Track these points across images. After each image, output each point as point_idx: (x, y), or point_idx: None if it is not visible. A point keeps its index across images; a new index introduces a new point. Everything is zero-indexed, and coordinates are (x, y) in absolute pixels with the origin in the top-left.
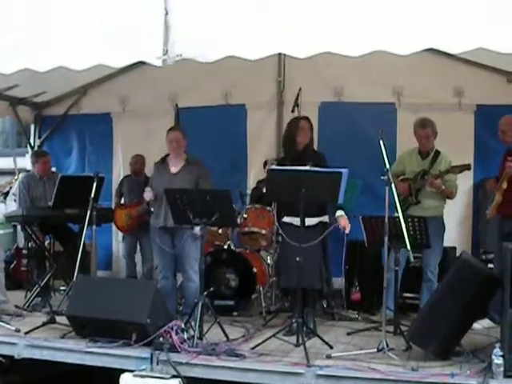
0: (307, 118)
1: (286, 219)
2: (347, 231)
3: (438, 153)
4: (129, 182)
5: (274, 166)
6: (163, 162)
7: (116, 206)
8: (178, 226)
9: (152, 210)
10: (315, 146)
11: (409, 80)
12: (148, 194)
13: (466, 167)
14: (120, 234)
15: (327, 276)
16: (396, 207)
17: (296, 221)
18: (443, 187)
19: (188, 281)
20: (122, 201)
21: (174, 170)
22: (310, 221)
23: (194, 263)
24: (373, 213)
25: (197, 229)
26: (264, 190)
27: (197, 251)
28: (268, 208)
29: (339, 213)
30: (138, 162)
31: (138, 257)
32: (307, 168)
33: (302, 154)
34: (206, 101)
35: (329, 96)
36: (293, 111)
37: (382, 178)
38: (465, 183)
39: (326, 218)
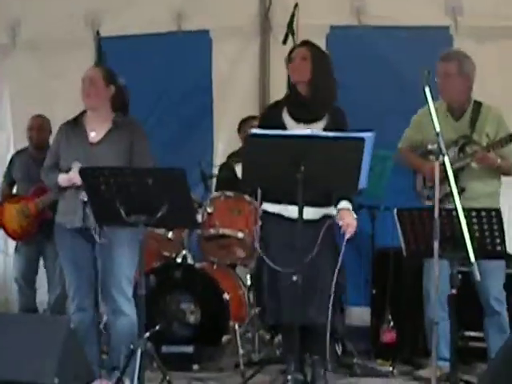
0: (308, 43)
1: (268, 207)
2: (348, 235)
3: (478, 106)
4: (24, 159)
5: (255, 130)
6: (76, 123)
7: (4, 197)
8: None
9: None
10: None
11: None
12: (76, 176)
13: None
14: (10, 244)
15: (340, 304)
16: (451, 193)
17: (287, 211)
18: (499, 161)
19: (115, 314)
20: (14, 190)
21: (93, 136)
22: (311, 213)
23: (125, 285)
24: (414, 202)
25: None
26: (239, 169)
27: (130, 266)
28: (246, 197)
29: (343, 204)
30: (40, 126)
31: (40, 280)
32: (308, 132)
33: (304, 103)
34: (145, 26)
35: (342, 16)
36: (285, 42)
37: (429, 147)
38: None
39: (332, 210)
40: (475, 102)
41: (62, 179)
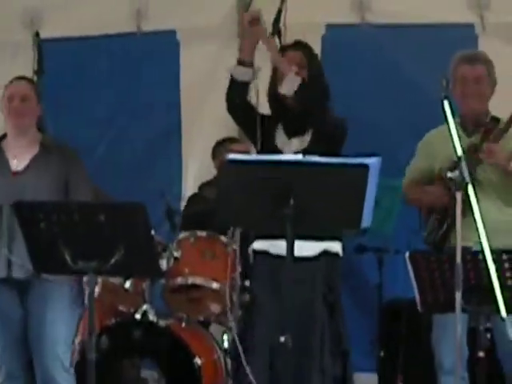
0: (304, 46)
1: (257, 245)
2: None
3: (496, 121)
4: None
5: (232, 155)
6: None
7: None
8: (35, 277)
9: None
10: None
11: None
12: None
13: None
14: None
15: (342, 369)
16: (478, 232)
17: (276, 247)
18: None
19: None
20: None
21: (17, 164)
22: (305, 248)
23: (61, 350)
24: None
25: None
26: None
27: (70, 325)
28: (222, 237)
29: None
30: None
31: None
32: (299, 157)
33: (297, 116)
34: (96, 26)
35: (342, 14)
36: None
37: (448, 175)
38: None
39: (335, 246)
40: (493, 116)
41: None
